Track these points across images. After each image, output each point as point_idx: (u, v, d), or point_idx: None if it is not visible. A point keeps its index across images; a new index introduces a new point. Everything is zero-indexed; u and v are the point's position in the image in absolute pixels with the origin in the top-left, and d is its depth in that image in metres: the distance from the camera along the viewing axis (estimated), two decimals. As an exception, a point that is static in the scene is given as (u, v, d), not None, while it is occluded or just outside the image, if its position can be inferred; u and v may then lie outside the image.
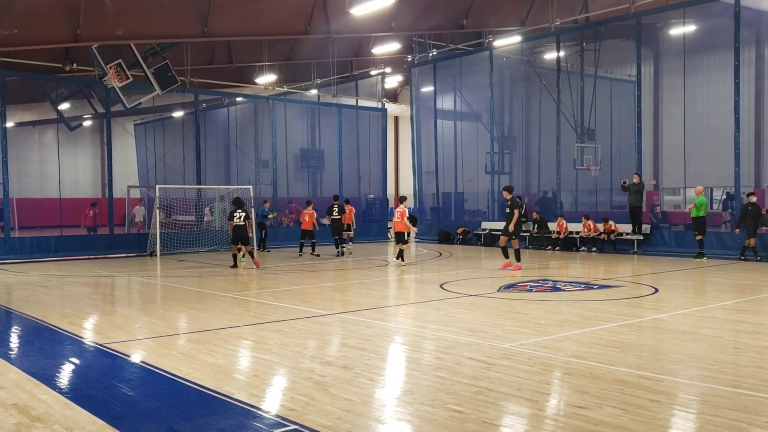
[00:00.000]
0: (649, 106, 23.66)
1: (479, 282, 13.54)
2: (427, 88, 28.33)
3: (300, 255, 20.12)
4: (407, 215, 16.77)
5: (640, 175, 19.97)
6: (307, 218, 20.31)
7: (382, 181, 29.96)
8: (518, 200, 15.71)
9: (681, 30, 21.14)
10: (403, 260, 16.57)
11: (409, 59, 28.22)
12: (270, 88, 29.48)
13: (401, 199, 17.29)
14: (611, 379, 6.04)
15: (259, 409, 5.40)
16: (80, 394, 5.96)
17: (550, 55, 24.27)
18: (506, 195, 15.60)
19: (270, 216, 22.28)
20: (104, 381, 6.41)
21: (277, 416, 5.19)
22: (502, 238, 15.72)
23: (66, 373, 6.94)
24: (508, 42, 24.83)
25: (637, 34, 20.84)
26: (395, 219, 16.65)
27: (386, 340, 8.24)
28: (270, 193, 26.28)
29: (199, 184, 24.38)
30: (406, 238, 16.62)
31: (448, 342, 7.77)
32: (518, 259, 15.41)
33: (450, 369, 6.48)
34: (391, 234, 18.17)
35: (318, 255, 19.89)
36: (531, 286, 12.59)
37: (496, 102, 25.59)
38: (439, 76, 27.57)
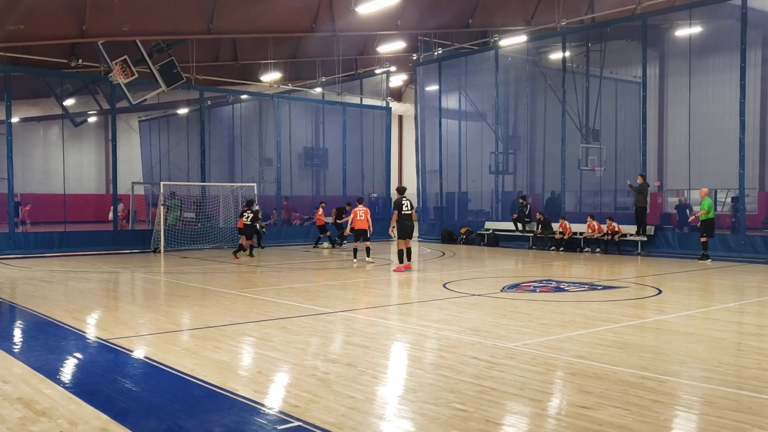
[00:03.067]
0: (654, 107, 23.62)
1: (482, 282, 13.54)
2: (432, 87, 28.31)
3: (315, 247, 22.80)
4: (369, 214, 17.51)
5: (644, 176, 19.94)
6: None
7: (386, 180, 29.96)
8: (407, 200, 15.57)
9: (687, 31, 21.08)
10: (357, 258, 17.09)
11: (414, 58, 28.21)
12: (275, 86, 29.51)
13: (359, 200, 18.21)
14: (615, 379, 6.04)
15: (263, 405, 5.41)
16: (85, 389, 5.98)
17: (556, 55, 24.23)
18: (397, 195, 15.75)
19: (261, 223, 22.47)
20: (108, 376, 6.43)
21: (281, 413, 5.20)
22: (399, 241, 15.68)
23: (70, 368, 6.97)
24: (513, 41, 24.81)
25: (643, 35, 20.79)
26: (359, 217, 16.86)
27: (389, 338, 8.25)
28: (273, 192, 26.33)
29: (204, 181, 24.42)
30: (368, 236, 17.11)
31: (452, 341, 7.77)
32: (401, 261, 15.40)
33: (453, 368, 6.48)
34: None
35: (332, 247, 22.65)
36: (534, 287, 12.59)
37: (501, 101, 25.57)
38: (444, 75, 27.54)
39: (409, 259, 15.46)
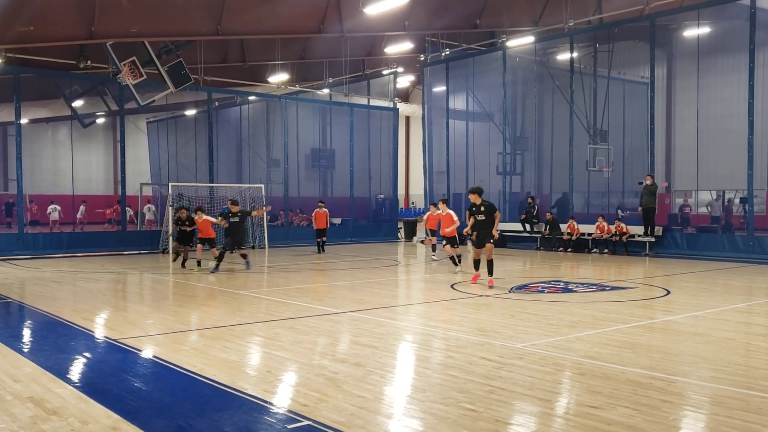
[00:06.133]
0: (662, 107, 23.55)
1: (490, 282, 13.49)
2: (440, 88, 28.32)
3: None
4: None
5: (653, 177, 19.89)
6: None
7: (393, 181, 29.97)
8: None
9: (695, 32, 21.02)
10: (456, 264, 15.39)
11: (422, 59, 28.22)
12: (282, 87, 29.59)
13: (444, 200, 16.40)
14: (624, 379, 6.02)
15: (272, 404, 5.43)
16: (95, 388, 6.01)
17: (564, 56, 24.20)
18: (477, 199, 12.60)
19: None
20: (118, 376, 6.46)
21: (291, 412, 5.21)
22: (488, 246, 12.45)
23: (80, 367, 7.00)
24: (521, 42, 24.79)
25: (651, 35, 20.74)
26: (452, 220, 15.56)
27: (397, 338, 8.26)
28: (281, 193, 26.40)
29: (212, 182, 24.50)
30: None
31: (460, 341, 7.77)
32: (477, 268, 12.90)
33: (462, 368, 6.48)
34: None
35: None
36: (543, 287, 12.56)
37: (508, 102, 25.56)
38: (452, 75, 27.54)
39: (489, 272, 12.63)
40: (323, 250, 21.05)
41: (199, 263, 15.85)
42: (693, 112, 20.57)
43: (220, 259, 15.67)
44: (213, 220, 16.47)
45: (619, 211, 21.34)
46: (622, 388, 5.75)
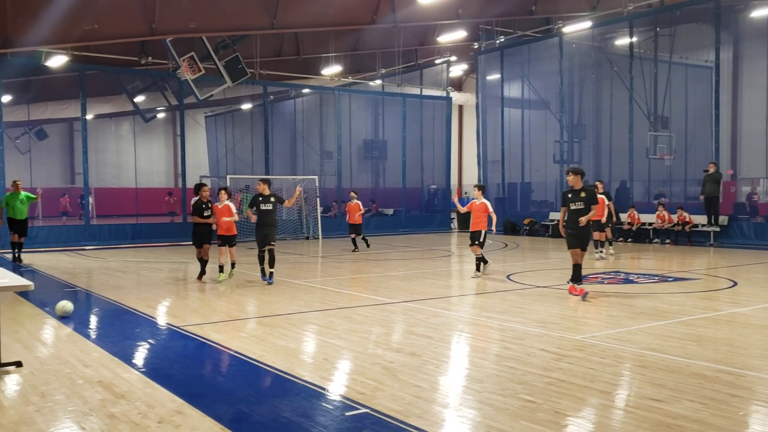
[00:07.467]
0: (728, 92, 22.61)
1: (548, 273, 13.30)
2: (494, 76, 27.95)
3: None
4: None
5: (716, 165, 19.15)
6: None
7: (446, 172, 29.82)
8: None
9: (765, 12, 20.07)
10: (479, 270, 12.80)
11: (475, 47, 27.90)
12: (335, 79, 29.75)
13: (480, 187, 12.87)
14: (689, 372, 5.84)
15: (329, 391, 5.49)
16: (160, 373, 6.20)
17: (623, 41, 23.53)
18: (577, 182, 10.05)
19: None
20: (181, 361, 6.66)
21: (348, 399, 5.26)
22: (579, 252, 10.18)
23: (146, 353, 7.23)
24: (578, 28, 24.19)
25: (716, 17, 19.93)
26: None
27: (453, 329, 8.22)
28: (334, 184, 26.60)
29: (267, 174, 24.88)
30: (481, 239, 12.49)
31: (517, 332, 7.68)
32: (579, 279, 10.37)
33: (519, 359, 6.41)
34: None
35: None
36: (602, 278, 12.29)
37: (565, 89, 25.02)
38: (507, 63, 27.13)
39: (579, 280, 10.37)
40: (359, 247, 18.62)
41: (230, 266, 12.79)
42: (762, 96, 19.69)
43: (271, 263, 11.95)
44: (234, 210, 12.54)
45: (661, 199, 20.64)
46: (687, 381, 5.57)
